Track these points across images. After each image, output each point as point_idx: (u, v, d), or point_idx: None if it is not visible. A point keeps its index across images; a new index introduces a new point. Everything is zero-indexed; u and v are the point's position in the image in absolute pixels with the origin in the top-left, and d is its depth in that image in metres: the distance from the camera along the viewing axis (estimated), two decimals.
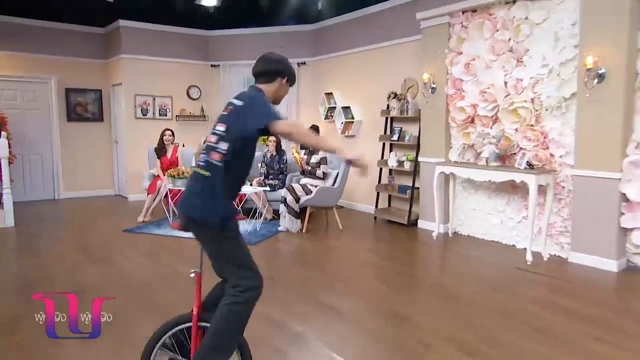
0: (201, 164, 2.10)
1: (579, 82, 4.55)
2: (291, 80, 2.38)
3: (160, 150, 7.04)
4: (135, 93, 8.40)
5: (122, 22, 8.14)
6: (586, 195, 4.58)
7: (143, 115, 8.51)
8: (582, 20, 4.50)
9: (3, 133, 6.26)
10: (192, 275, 2.18)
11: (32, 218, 6.85)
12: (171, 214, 6.39)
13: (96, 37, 8.81)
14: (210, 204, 2.04)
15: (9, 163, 6.34)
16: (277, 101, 2.36)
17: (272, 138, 6.89)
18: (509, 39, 5.17)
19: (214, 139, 2.10)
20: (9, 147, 6.31)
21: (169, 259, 4.83)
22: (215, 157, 2.04)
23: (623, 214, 4.38)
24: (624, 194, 4.34)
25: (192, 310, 2.14)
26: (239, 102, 2.17)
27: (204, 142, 2.64)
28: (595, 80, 4.36)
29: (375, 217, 6.88)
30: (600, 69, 4.33)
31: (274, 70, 2.29)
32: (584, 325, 3.24)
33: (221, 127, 2.12)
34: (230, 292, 2.06)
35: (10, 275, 4.40)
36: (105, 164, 9.12)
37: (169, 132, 7.09)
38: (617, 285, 4.14)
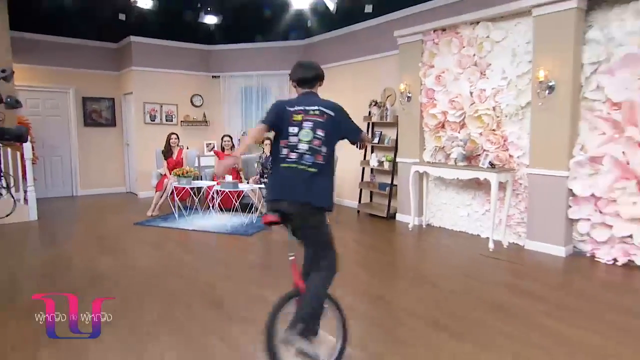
0: (308, 163, 2.29)
1: (532, 92, 4.65)
2: (297, 81, 2.61)
3: (167, 152, 7.06)
4: (144, 101, 8.42)
5: (133, 38, 8.18)
6: (539, 191, 4.69)
7: (151, 120, 8.53)
8: (534, 40, 4.60)
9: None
10: (291, 258, 2.37)
11: (53, 213, 6.88)
12: (176, 209, 6.42)
13: (110, 51, 8.83)
14: (325, 193, 2.34)
15: (32, 164, 6.36)
16: None
17: (267, 141, 6.96)
18: (474, 55, 5.25)
19: (317, 142, 2.31)
20: (32, 150, 6.34)
21: (175, 249, 4.88)
22: (319, 159, 2.30)
23: (570, 207, 4.50)
24: (571, 189, 4.46)
25: (296, 285, 2.36)
26: (331, 112, 2.40)
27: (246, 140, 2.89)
28: (547, 91, 4.47)
29: (358, 211, 6.92)
30: (550, 81, 4.44)
31: (321, 76, 2.59)
32: (535, 303, 3.34)
33: (321, 132, 2.33)
34: (325, 265, 2.35)
35: (34, 262, 4.43)
36: (118, 164, 9.13)
37: (175, 136, 7.14)
38: (565, 268, 4.22)
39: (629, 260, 4.20)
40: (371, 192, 7.11)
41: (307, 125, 2.36)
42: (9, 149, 5.82)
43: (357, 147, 2.72)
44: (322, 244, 2.39)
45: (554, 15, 4.38)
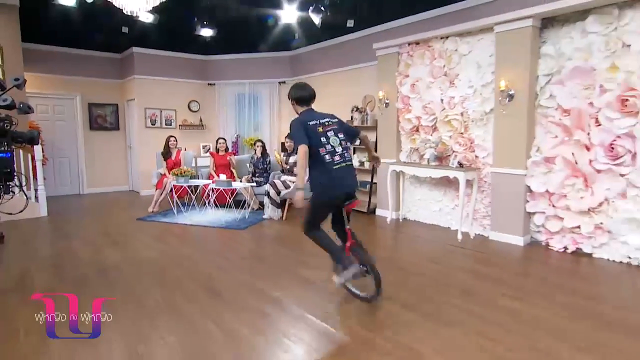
0: (349, 159, 2.98)
1: (495, 100, 4.73)
2: (296, 100, 3.10)
3: (166, 153, 7.05)
4: (145, 107, 8.39)
5: (135, 49, 8.15)
6: (501, 188, 4.78)
7: (152, 124, 8.50)
8: (496, 53, 4.69)
9: None
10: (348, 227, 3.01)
11: (62, 209, 6.84)
12: (175, 206, 6.42)
13: (113, 61, 8.79)
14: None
15: (42, 165, 6.34)
16: None
17: (258, 143, 7.01)
18: (444, 66, 5.32)
19: (344, 143, 2.99)
20: (42, 152, 6.31)
21: (174, 242, 4.88)
22: (350, 153, 2.98)
23: (528, 201, 4.60)
24: (528, 186, 4.56)
25: (348, 244, 3.03)
26: (335, 119, 3.07)
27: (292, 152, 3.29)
28: (507, 99, 4.57)
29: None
30: (511, 90, 4.53)
31: (315, 95, 3.11)
32: (497, 286, 3.43)
33: (342, 135, 3.00)
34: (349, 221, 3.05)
35: (45, 254, 4.41)
36: (121, 165, 9.07)
37: (173, 138, 7.14)
38: (523, 256, 4.31)
39: (577, 248, 4.33)
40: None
41: (330, 133, 2.92)
42: (21, 151, 5.79)
43: (358, 143, 3.25)
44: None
45: (513, 32, 4.49)
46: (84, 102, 8.49)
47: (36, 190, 6.27)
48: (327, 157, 2.85)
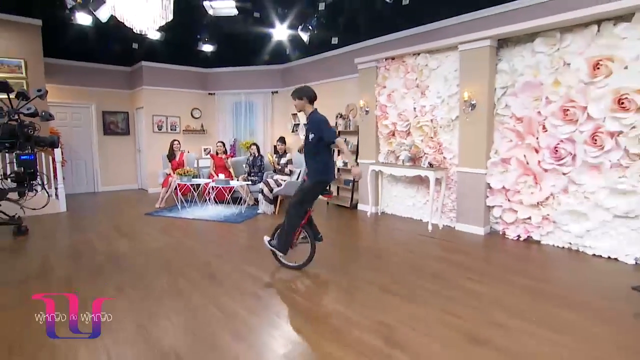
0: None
1: (460, 109, 4.83)
2: (308, 98, 3.49)
3: (171, 155, 7.02)
4: (153, 114, 8.35)
5: (144, 63, 8.13)
6: (465, 185, 4.87)
7: (159, 130, 8.45)
8: (460, 69, 4.78)
9: None
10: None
11: (79, 206, 6.80)
12: (179, 202, 6.42)
13: (124, 73, 8.74)
14: None
15: (62, 166, 6.31)
16: (305, 113, 3.52)
17: (253, 146, 7.00)
18: (416, 79, 5.40)
19: None
20: (62, 155, 6.28)
21: (179, 234, 4.87)
22: None
23: (487, 197, 4.71)
24: (488, 183, 4.67)
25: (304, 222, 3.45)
26: None
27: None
28: (470, 108, 4.67)
29: (327, 202, 6.98)
30: (473, 100, 4.63)
31: (298, 96, 3.47)
32: (461, 270, 3.52)
33: None
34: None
35: (64, 246, 4.38)
36: (131, 166, 8.99)
37: (177, 142, 7.11)
38: (483, 244, 4.42)
39: (528, 236, 4.46)
40: (338, 187, 7.20)
41: None
42: (42, 154, 5.77)
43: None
44: None
45: (474, 50, 4.59)
46: (98, 110, 8.44)
47: (56, 188, 6.24)
48: (332, 151, 3.38)
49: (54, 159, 6.06)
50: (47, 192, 4.27)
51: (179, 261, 3.80)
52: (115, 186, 8.76)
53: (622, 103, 3.54)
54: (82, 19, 5.07)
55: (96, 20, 4.98)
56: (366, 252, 4.26)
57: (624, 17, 3.59)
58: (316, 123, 3.27)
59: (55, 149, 5.65)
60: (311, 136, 3.29)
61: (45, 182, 4.38)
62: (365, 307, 2.79)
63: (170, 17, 3.38)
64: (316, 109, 3.42)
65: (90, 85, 8.26)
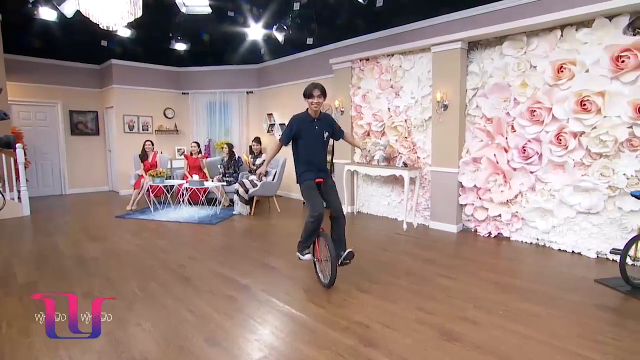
0: None
1: (433, 109, 4.91)
2: (305, 95, 3.10)
3: (143, 156, 6.82)
4: (123, 113, 8.07)
5: (114, 61, 7.85)
6: (438, 184, 4.96)
7: (130, 130, 8.18)
8: (433, 70, 4.87)
9: (19, 144, 5.87)
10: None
11: (44, 209, 6.48)
12: (152, 204, 6.23)
13: (93, 71, 8.40)
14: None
15: (25, 167, 6.00)
16: (310, 110, 3.14)
17: (225, 145, 6.92)
18: (390, 79, 5.46)
19: None
20: (25, 155, 5.97)
21: (151, 237, 4.72)
22: None
23: (460, 195, 4.83)
24: (460, 182, 4.78)
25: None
26: None
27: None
28: (442, 109, 4.76)
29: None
30: (445, 101, 4.72)
31: (324, 94, 3.11)
32: (434, 267, 3.58)
33: None
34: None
35: (27, 250, 4.16)
36: (101, 167, 8.66)
37: (149, 142, 6.91)
38: (456, 241, 4.51)
39: (499, 233, 4.60)
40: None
41: None
42: (3, 155, 5.48)
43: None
44: None
45: (446, 52, 4.69)
46: (65, 109, 8.08)
47: (19, 191, 5.91)
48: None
49: (16, 161, 5.74)
50: (3, 195, 4.03)
51: (151, 264, 3.69)
52: (85, 188, 8.41)
53: (584, 105, 3.71)
54: (46, 14, 4.83)
55: (61, 15, 4.76)
56: None
57: (584, 22, 3.76)
58: (330, 121, 3.31)
59: (17, 150, 5.37)
60: (326, 134, 3.23)
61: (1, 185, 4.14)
62: (341, 307, 2.79)
63: (140, 14, 3.26)
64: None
65: (56, 84, 7.90)
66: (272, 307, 2.80)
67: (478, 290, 3.08)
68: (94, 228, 5.16)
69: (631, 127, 3.50)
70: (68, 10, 4.53)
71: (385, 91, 5.55)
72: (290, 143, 3.18)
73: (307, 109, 3.13)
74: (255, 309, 2.77)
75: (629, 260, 3.17)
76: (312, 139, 3.14)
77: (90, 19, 3.00)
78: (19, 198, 5.89)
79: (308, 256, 3.22)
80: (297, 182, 3.20)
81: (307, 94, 3.07)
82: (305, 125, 3.12)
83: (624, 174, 3.57)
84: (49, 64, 7.76)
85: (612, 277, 3.26)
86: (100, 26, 3.07)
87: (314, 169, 3.16)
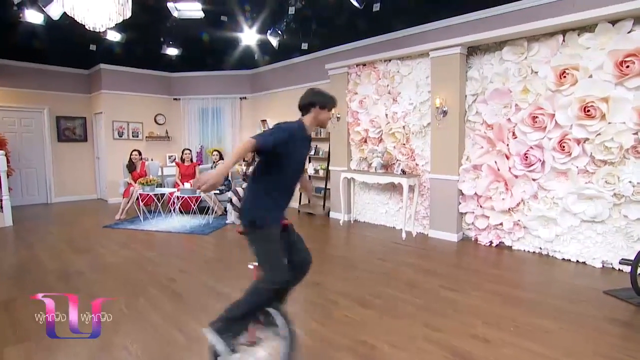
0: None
1: (431, 115, 4.83)
2: (324, 105, 2.14)
3: (131, 166, 6.60)
4: (113, 120, 7.84)
5: (103, 66, 7.63)
6: (438, 191, 4.86)
7: (119, 137, 7.94)
8: (432, 75, 4.79)
9: (1, 151, 5.63)
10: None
11: (28, 218, 6.21)
12: (142, 213, 6.02)
13: (81, 76, 8.16)
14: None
15: (8, 175, 5.76)
16: (322, 125, 2.20)
17: (215, 153, 6.77)
18: (387, 85, 5.37)
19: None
20: (8, 163, 5.73)
21: (140, 248, 4.52)
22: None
23: (460, 203, 4.73)
24: (460, 190, 4.68)
25: None
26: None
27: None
28: (442, 115, 4.68)
29: (298, 211, 6.83)
30: (445, 107, 4.64)
31: (306, 104, 2.14)
32: (436, 279, 3.46)
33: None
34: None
35: (7, 264, 3.93)
36: (90, 174, 8.39)
37: (136, 152, 6.69)
38: (457, 250, 4.39)
39: (500, 242, 4.50)
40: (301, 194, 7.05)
41: None
42: None
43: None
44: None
45: (445, 57, 4.62)
46: (51, 115, 7.81)
47: (1, 200, 5.66)
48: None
49: None
50: None
51: (139, 278, 3.50)
52: (72, 196, 8.13)
53: (588, 111, 3.64)
54: (32, 16, 4.64)
55: (48, 18, 4.59)
56: (340, 262, 4.12)
57: (587, 27, 3.71)
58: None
59: None
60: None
61: None
62: (342, 323, 2.64)
63: (129, 14, 3.12)
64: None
65: (43, 89, 7.64)
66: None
67: (485, 303, 2.95)
68: (80, 239, 4.95)
69: (637, 133, 3.44)
70: (54, 12, 4.36)
71: (382, 97, 5.47)
72: (266, 157, 2.01)
73: (303, 121, 2.13)
74: (252, 329, 2.59)
75: None
76: (301, 162, 2.16)
77: (75, 19, 2.83)
78: (0, 207, 5.65)
79: (239, 346, 1.97)
80: (251, 225, 1.96)
81: (326, 104, 2.16)
82: (299, 142, 2.06)
83: (630, 182, 3.50)
84: (35, 68, 7.52)
85: (622, 289, 3.15)
86: (86, 27, 2.91)
87: (284, 205, 2.12)
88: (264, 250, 1.96)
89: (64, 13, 3.67)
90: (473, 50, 4.58)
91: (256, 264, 2.01)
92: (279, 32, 5.12)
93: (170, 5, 4.42)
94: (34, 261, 3.98)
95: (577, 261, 3.91)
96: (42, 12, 4.46)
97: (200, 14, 4.59)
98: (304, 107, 2.16)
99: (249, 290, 1.94)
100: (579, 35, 3.75)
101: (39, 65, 7.53)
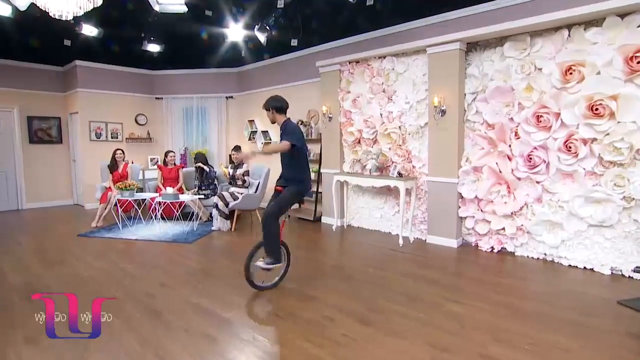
0: None
1: (429, 115, 4.68)
2: (275, 109, 3.27)
3: (113, 166, 6.26)
4: (90, 120, 7.47)
5: (78, 62, 7.27)
6: (436, 195, 4.71)
7: (97, 138, 7.58)
8: (429, 72, 4.64)
9: None
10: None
11: None
12: (120, 221, 5.72)
13: (55, 73, 7.76)
14: None
15: None
16: (277, 123, 3.33)
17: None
18: (382, 83, 5.22)
19: None
20: None
21: (117, 259, 4.22)
22: None
23: (459, 207, 4.57)
24: (460, 193, 4.53)
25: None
26: None
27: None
28: (440, 114, 4.53)
29: (289, 216, 6.56)
30: (443, 106, 4.49)
31: (266, 108, 3.31)
32: (438, 290, 3.27)
33: None
34: None
35: None
36: (65, 178, 7.98)
37: (120, 151, 6.36)
38: (457, 257, 4.24)
39: (502, 248, 4.35)
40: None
41: None
42: None
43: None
44: None
45: (443, 53, 4.46)
46: (22, 114, 7.40)
47: None
48: (307, 159, 3.39)
49: None
50: None
51: (114, 294, 3.22)
52: (45, 202, 7.72)
53: (596, 109, 3.49)
54: None
55: (17, 10, 4.26)
56: (335, 272, 3.89)
57: (594, 21, 3.57)
58: (290, 131, 3.27)
59: None
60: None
61: None
62: (341, 345, 2.40)
63: (100, 2, 2.84)
64: (289, 118, 3.37)
65: (12, 87, 7.24)
66: (259, 348, 2.39)
67: (492, 317, 2.76)
68: (52, 250, 4.61)
69: None
70: (21, 2, 4.04)
71: (377, 96, 5.29)
72: (292, 149, 3.16)
73: (289, 118, 3.36)
74: (239, 352, 2.35)
75: None
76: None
77: (36, 3, 2.54)
78: None
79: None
80: (299, 190, 3.24)
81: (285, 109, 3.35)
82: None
83: None
84: (3, 64, 7.13)
85: (636, 298, 2.99)
86: (50, 14, 2.62)
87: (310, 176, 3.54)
88: (290, 201, 3.26)
89: (32, 4, 3.38)
90: (472, 46, 4.43)
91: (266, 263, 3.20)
92: (267, 27, 4.89)
93: None
94: None
95: (585, 268, 3.76)
96: (8, 2, 4.14)
97: (184, 8, 4.32)
98: (286, 109, 3.34)
99: (267, 230, 3.19)
100: (585, 29, 3.61)
101: (6, 61, 7.13)
